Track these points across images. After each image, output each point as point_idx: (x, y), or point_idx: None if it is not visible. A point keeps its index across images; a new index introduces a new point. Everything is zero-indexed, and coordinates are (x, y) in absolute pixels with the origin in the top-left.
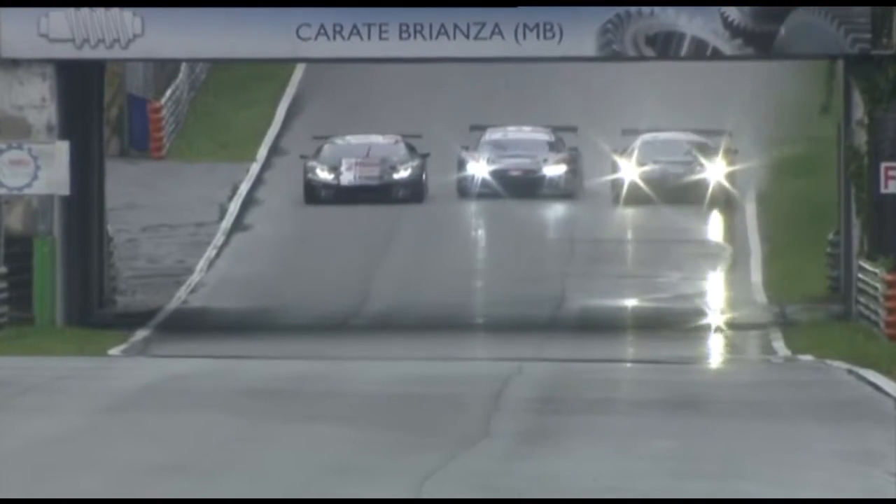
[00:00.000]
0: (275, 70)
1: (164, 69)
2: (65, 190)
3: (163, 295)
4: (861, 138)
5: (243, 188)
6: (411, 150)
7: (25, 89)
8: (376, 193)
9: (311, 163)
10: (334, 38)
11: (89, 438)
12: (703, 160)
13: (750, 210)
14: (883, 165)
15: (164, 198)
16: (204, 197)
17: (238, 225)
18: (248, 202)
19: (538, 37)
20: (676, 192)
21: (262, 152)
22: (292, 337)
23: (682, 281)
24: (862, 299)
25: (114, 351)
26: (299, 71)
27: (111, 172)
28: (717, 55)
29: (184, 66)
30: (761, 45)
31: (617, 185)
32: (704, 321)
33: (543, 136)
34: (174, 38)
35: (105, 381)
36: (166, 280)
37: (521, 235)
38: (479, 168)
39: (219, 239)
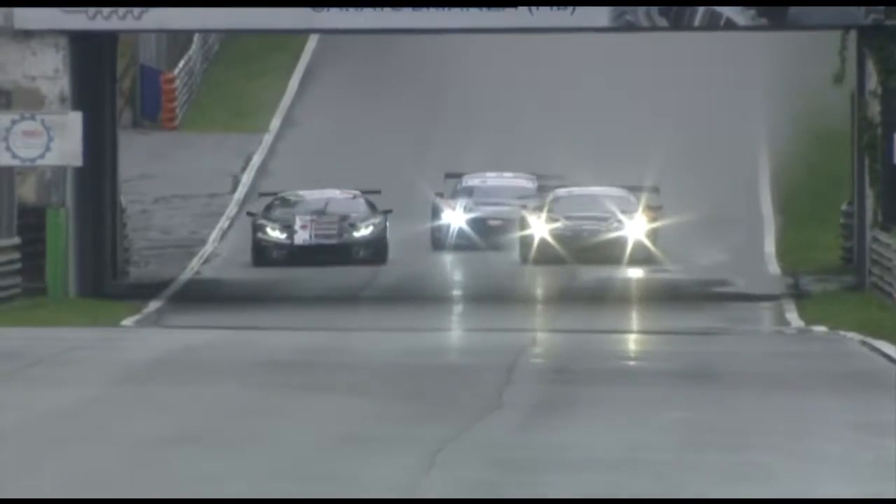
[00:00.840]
0: (288, 40)
1: (177, 40)
2: (78, 161)
3: (176, 266)
4: (875, 109)
5: (256, 159)
6: (371, 206)
7: (38, 60)
8: (334, 255)
9: (261, 221)
10: (347, 8)
11: (101, 410)
12: (621, 217)
13: (764, 181)
14: None
15: (177, 169)
16: (217, 168)
17: (251, 195)
18: (262, 173)
19: (551, 7)
20: (591, 251)
21: (276, 123)
22: (305, 308)
23: (695, 252)
24: (875, 270)
25: (127, 322)
26: (312, 41)
27: (124, 143)
28: (730, 26)
29: (196, 37)
30: (775, 16)
31: (525, 242)
32: (717, 292)
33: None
34: (187, 9)
35: (118, 353)
36: (179, 251)
37: None
38: (455, 217)
39: (232, 210)
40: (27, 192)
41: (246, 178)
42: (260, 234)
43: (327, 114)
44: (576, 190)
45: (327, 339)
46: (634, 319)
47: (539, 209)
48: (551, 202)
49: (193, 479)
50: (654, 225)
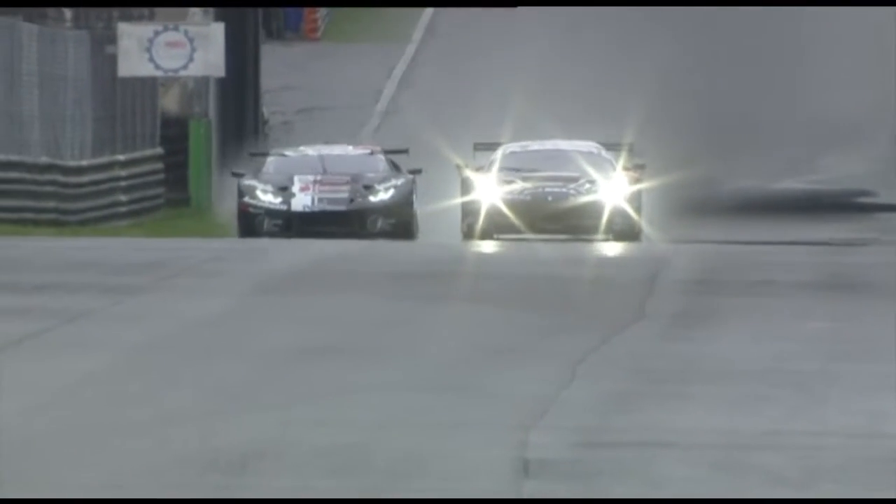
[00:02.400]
0: None
1: None
2: (220, 72)
3: None
4: None
5: (398, 70)
6: (394, 166)
7: None
8: (344, 224)
9: (249, 182)
10: None
11: (240, 321)
12: (595, 176)
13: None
14: None
15: (319, 80)
16: (359, 79)
17: (392, 108)
18: (404, 83)
19: None
20: (556, 220)
21: (418, 34)
22: None
23: (841, 162)
24: None
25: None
26: None
27: (266, 54)
28: None
29: None
30: None
31: (469, 210)
32: (864, 201)
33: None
34: None
35: (258, 264)
36: None
37: None
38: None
39: (373, 121)
40: (170, 103)
41: (388, 91)
42: (248, 199)
43: (468, 26)
44: (533, 144)
45: (462, 250)
46: (776, 230)
47: (485, 167)
48: (503, 158)
49: (332, 390)
50: (637, 187)
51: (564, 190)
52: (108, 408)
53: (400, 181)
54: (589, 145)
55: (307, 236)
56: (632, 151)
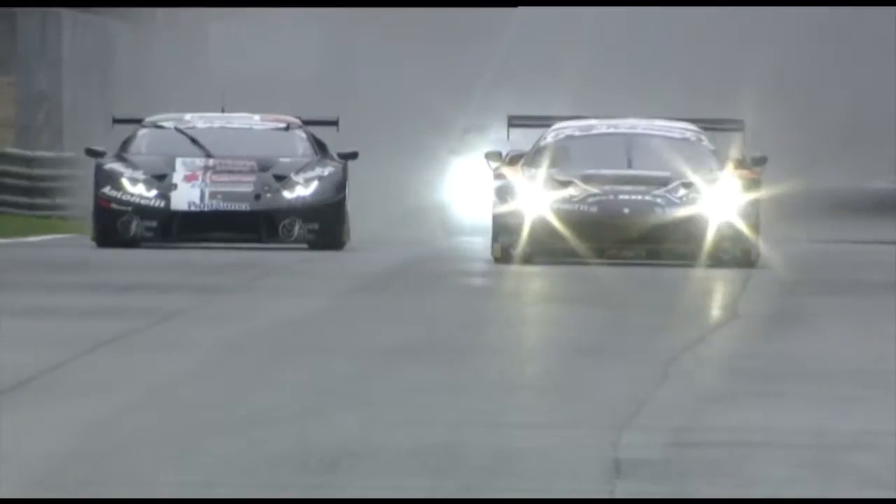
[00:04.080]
0: None
1: None
2: None
3: None
4: None
5: None
6: (318, 146)
7: None
8: (245, 230)
9: (112, 165)
10: None
11: (331, 321)
12: (692, 178)
13: None
14: None
15: None
16: None
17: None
18: None
19: None
20: (636, 241)
21: None
22: None
23: None
24: None
25: None
26: None
27: None
28: None
29: None
30: None
31: (505, 226)
32: None
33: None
34: None
35: (349, 264)
36: None
37: None
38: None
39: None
40: None
41: None
42: (108, 190)
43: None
44: (600, 125)
45: None
46: (877, 229)
47: (529, 161)
48: (555, 146)
49: (423, 389)
50: (755, 194)
51: (647, 198)
52: (200, 408)
53: (327, 170)
54: (683, 128)
55: (191, 243)
56: (746, 139)
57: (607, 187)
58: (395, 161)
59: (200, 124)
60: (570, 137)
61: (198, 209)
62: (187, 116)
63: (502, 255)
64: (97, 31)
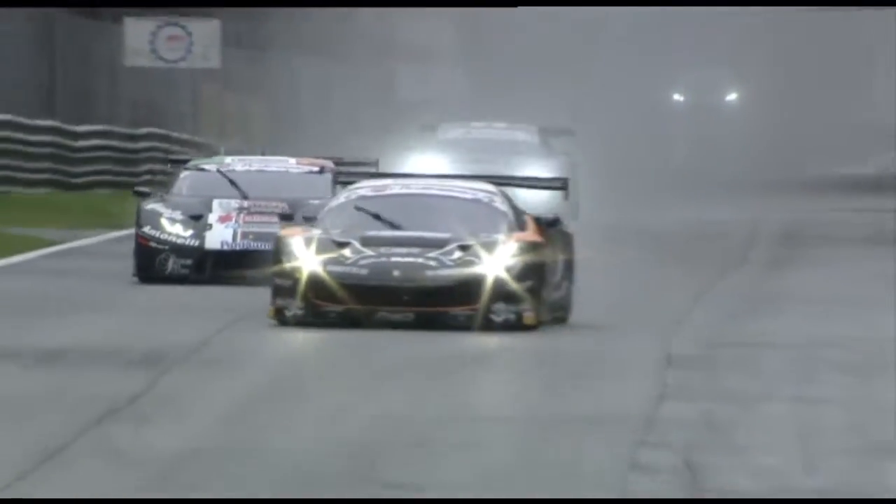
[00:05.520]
0: None
1: None
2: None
3: None
4: None
5: None
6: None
7: None
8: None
9: (153, 206)
10: None
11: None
12: (472, 240)
13: None
14: None
15: None
16: None
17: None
18: None
19: None
20: (411, 298)
21: None
22: None
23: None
24: None
25: None
26: None
27: None
28: None
29: None
30: None
31: (283, 282)
32: None
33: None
34: None
35: None
36: None
37: None
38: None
39: None
40: None
41: None
42: (147, 230)
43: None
44: (394, 185)
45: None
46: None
47: (317, 221)
48: (343, 209)
49: None
50: (537, 257)
51: (421, 261)
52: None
53: None
54: (477, 188)
55: (221, 282)
56: (573, 198)
57: (382, 249)
58: None
59: (239, 167)
60: (362, 198)
61: (230, 248)
62: (228, 160)
63: (276, 316)
64: (317, 70)
